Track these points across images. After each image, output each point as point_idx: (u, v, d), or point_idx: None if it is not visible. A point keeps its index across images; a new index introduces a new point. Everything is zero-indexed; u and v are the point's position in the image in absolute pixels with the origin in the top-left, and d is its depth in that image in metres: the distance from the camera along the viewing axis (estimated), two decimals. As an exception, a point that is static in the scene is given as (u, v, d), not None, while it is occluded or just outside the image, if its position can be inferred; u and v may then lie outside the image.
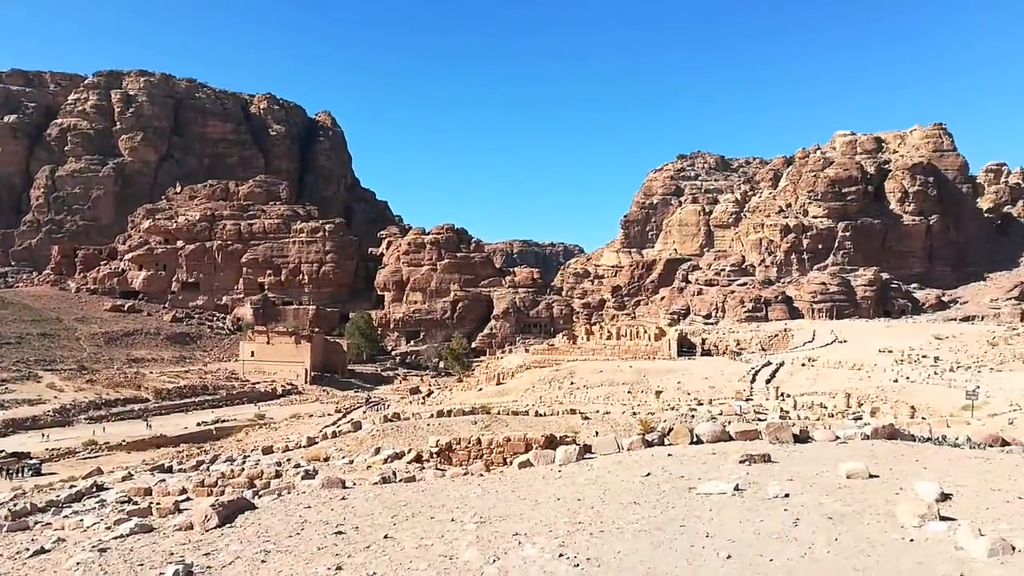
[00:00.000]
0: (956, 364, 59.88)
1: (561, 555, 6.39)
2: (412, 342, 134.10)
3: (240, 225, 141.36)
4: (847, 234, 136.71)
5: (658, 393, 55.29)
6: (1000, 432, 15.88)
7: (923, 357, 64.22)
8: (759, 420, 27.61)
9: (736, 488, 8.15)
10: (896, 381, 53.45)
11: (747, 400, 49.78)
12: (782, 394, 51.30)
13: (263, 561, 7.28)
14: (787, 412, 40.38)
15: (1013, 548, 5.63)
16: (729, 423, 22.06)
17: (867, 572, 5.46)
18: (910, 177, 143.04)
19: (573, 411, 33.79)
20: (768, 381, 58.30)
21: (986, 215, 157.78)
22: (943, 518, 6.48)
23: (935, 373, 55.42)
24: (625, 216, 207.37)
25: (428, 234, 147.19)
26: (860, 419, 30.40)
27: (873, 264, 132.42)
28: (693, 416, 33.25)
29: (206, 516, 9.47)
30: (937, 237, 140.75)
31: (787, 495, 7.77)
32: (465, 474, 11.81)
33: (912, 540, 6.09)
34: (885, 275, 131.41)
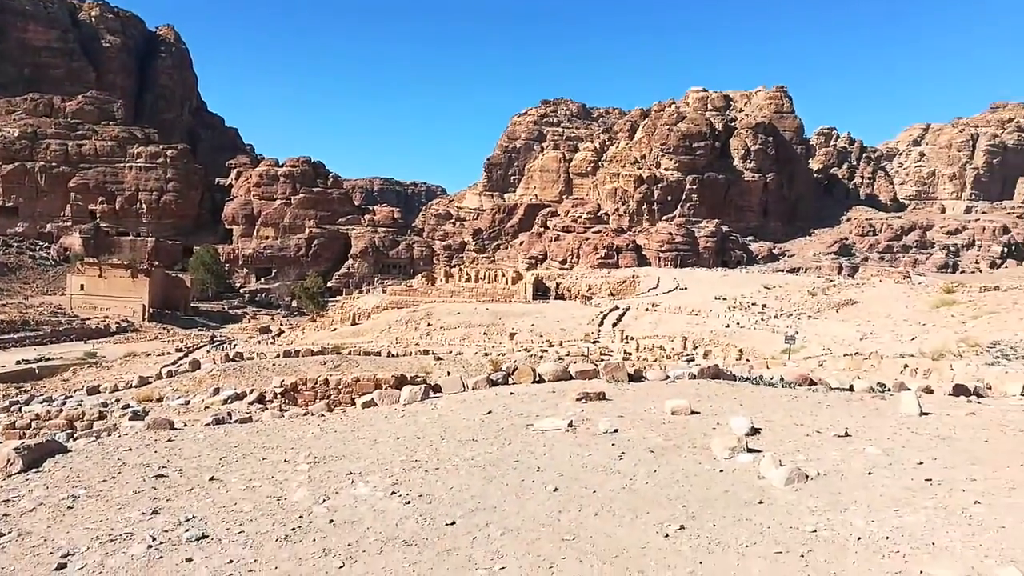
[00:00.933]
0: (780, 311, 65.58)
1: (393, 493, 6.36)
2: (263, 279, 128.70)
3: (67, 145, 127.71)
4: (694, 187, 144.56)
5: (512, 335, 56.65)
6: (810, 373, 17.56)
7: (752, 304, 69.75)
8: (603, 360, 28.95)
9: (570, 424, 8.44)
10: (728, 326, 57.84)
11: (594, 342, 52.13)
12: (626, 337, 54.07)
13: (70, 507, 6.72)
14: (630, 354, 42.68)
15: (806, 476, 6.20)
16: (575, 363, 22.90)
17: (679, 500, 5.83)
18: (753, 136, 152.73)
19: (427, 352, 33.91)
20: (615, 324, 61.22)
21: (816, 175, 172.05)
22: (750, 450, 7.03)
23: (762, 319, 60.46)
24: (489, 159, 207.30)
25: (282, 166, 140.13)
26: (693, 360, 32.64)
27: (716, 217, 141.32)
28: (542, 357, 34.35)
29: (8, 460, 8.59)
30: (772, 194, 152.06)
31: (616, 430, 8.15)
32: (305, 414, 11.50)
33: (722, 471, 6.57)
34: (725, 227, 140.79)
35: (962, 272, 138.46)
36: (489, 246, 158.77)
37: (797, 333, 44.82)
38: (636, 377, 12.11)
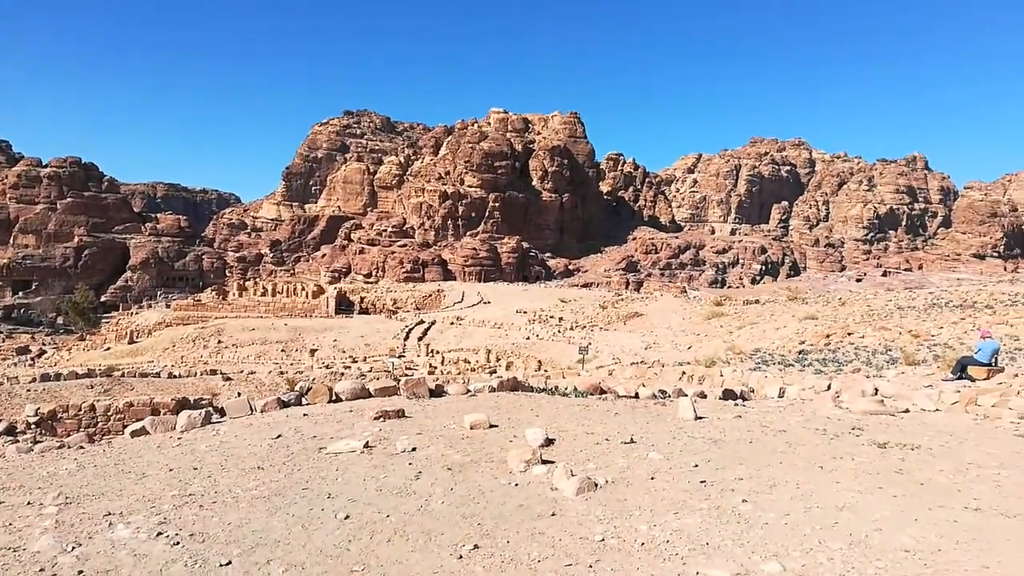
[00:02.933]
0: (575, 324, 69.20)
1: (160, 533, 5.64)
2: (21, 293, 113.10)
3: None
4: (496, 205, 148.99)
5: (313, 351, 54.53)
6: (601, 382, 18.52)
7: (551, 317, 72.95)
8: (408, 375, 28.63)
9: (366, 445, 8.09)
10: (528, 338, 59.95)
11: (399, 357, 51.60)
12: (432, 351, 54.14)
13: None
14: (435, 367, 42.72)
15: (596, 485, 6.38)
16: (376, 379, 22.35)
17: (475, 519, 5.73)
18: (550, 158, 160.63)
19: (215, 372, 31.48)
20: (420, 339, 61.09)
21: (605, 197, 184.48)
22: (544, 462, 7.13)
23: (559, 331, 63.38)
24: (288, 168, 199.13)
25: (46, 166, 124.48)
26: (496, 373, 33.31)
27: (517, 233, 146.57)
28: (344, 374, 33.31)
29: None
30: (568, 213, 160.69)
31: (414, 449, 7.93)
32: (60, 447, 10.04)
33: (517, 485, 6.59)
34: (526, 244, 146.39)
35: (729, 287, 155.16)
36: (288, 258, 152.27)
37: (590, 344, 47.46)
38: (437, 392, 11.99)
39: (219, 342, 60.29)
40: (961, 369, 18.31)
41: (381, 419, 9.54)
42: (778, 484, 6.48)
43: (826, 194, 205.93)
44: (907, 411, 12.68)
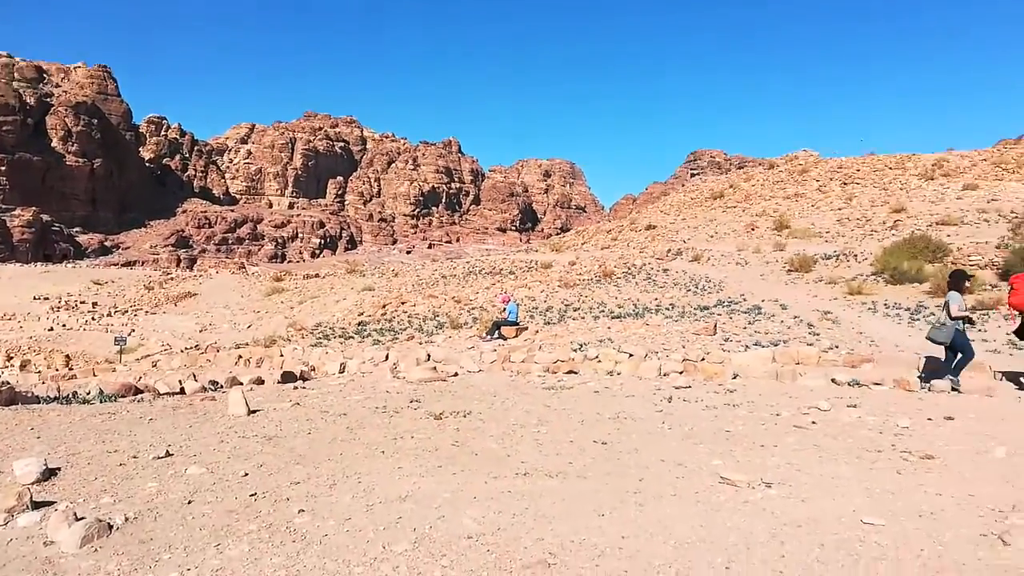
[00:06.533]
0: (114, 309, 60.77)
1: None
2: None
3: None
4: (2, 169, 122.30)
5: None
6: (140, 378, 15.95)
7: (82, 303, 62.89)
8: None
9: None
10: (52, 329, 50.59)
11: None
12: (-96, 356, 41.75)
13: None
14: (-92, 378, 32.81)
15: (110, 527, 4.92)
16: None
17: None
18: (74, 115, 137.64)
19: None
20: None
21: (148, 165, 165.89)
22: (38, 505, 5.35)
23: (93, 319, 54.90)
24: None
25: None
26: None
27: (33, 204, 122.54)
28: None
29: None
30: (101, 181, 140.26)
31: None
32: None
33: (-8, 548, 4.75)
34: (46, 217, 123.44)
35: (289, 262, 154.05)
36: None
37: (132, 332, 42.02)
38: None
39: None
40: (496, 329, 20.61)
41: None
42: (338, 482, 5.88)
43: (377, 171, 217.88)
44: (456, 374, 13.51)
